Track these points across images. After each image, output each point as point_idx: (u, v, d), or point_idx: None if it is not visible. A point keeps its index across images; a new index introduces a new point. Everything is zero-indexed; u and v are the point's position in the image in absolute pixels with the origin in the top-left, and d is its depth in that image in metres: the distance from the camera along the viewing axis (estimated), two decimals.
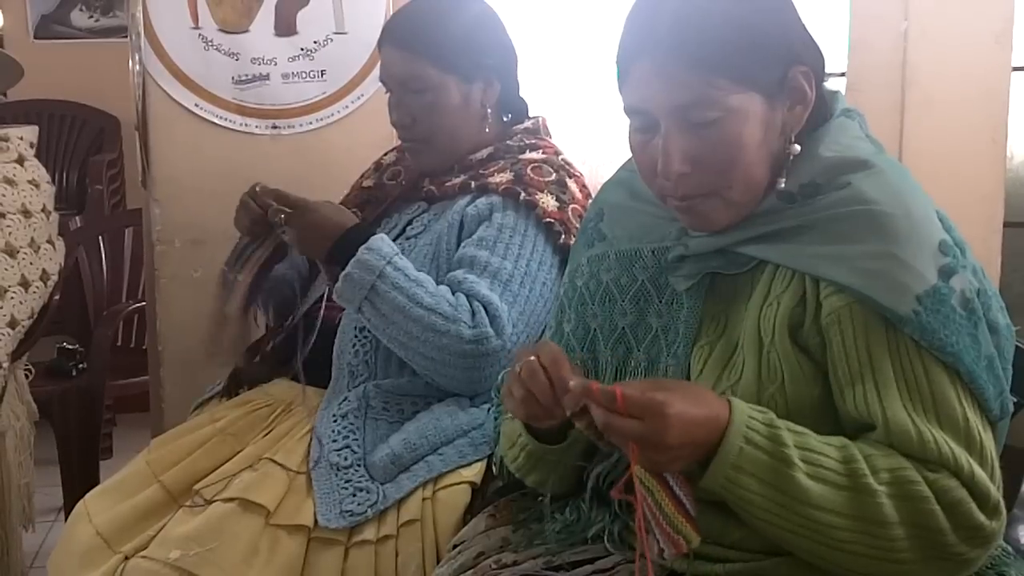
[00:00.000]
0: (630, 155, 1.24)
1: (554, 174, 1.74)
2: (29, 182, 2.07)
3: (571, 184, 1.75)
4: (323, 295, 1.76)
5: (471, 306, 1.60)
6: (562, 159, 1.80)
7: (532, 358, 1.12)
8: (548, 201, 1.70)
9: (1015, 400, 1.17)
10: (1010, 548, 1.24)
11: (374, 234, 1.65)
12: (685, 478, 1.05)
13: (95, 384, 2.83)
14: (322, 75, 2.25)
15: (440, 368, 1.61)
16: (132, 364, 3.00)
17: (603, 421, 1.03)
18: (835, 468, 1.05)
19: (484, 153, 1.78)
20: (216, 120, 2.23)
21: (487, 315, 1.59)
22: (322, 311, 1.75)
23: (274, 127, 2.25)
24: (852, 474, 1.05)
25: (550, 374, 1.10)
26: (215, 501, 1.54)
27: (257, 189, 1.70)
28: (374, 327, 1.63)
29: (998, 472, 1.10)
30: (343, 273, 1.61)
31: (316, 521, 1.51)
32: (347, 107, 2.27)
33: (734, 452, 1.04)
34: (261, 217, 1.69)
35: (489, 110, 1.78)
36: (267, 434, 1.67)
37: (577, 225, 1.66)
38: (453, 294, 1.61)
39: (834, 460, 1.06)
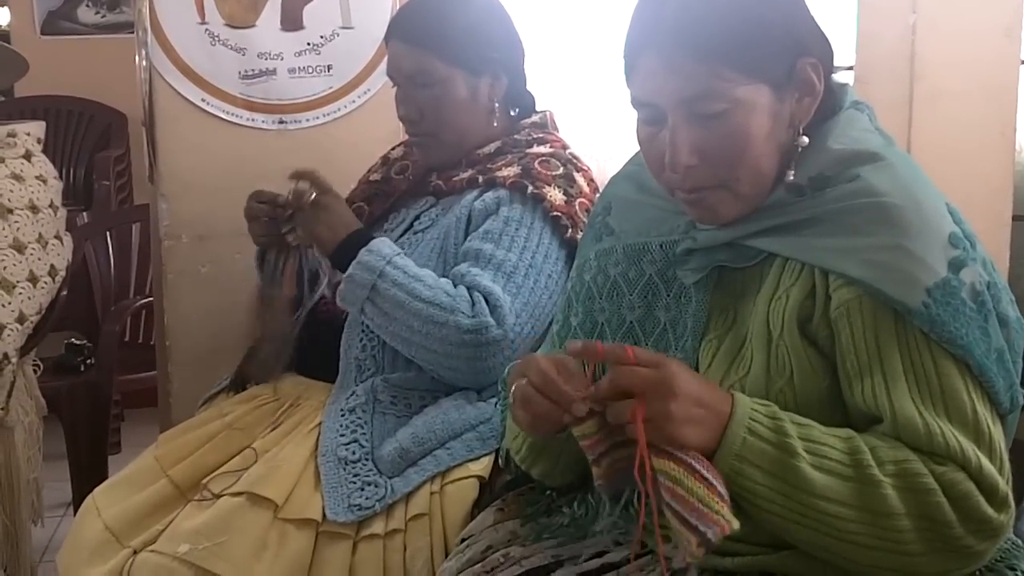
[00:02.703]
0: (638, 149, 1.24)
1: (562, 168, 1.74)
2: (36, 178, 2.07)
3: (579, 178, 1.75)
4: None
5: (471, 296, 1.60)
6: (569, 153, 1.80)
7: (523, 382, 1.11)
8: (555, 195, 1.70)
9: None
10: (1020, 541, 1.24)
11: (375, 237, 1.65)
12: (708, 461, 1.04)
13: (103, 379, 2.84)
14: (329, 70, 2.25)
15: (443, 361, 1.61)
16: (140, 359, 3.01)
17: (612, 377, 1.03)
18: (839, 459, 1.05)
19: (491, 147, 1.78)
20: (223, 115, 2.23)
21: (487, 305, 1.59)
22: (327, 306, 1.76)
23: (281, 122, 2.25)
24: (857, 465, 1.05)
25: (547, 393, 1.09)
26: (223, 495, 1.54)
27: (257, 200, 1.70)
28: (377, 327, 1.63)
29: (1007, 465, 1.10)
30: (345, 276, 1.62)
31: (324, 515, 1.51)
32: (354, 102, 2.27)
33: (737, 442, 1.04)
34: (275, 225, 1.69)
35: (496, 104, 1.78)
36: (275, 429, 1.67)
37: (584, 219, 1.66)
38: (455, 287, 1.61)
39: (838, 451, 1.06)
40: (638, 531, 1.07)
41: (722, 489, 1.02)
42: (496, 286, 1.61)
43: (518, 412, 1.13)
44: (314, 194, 1.67)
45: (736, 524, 1.01)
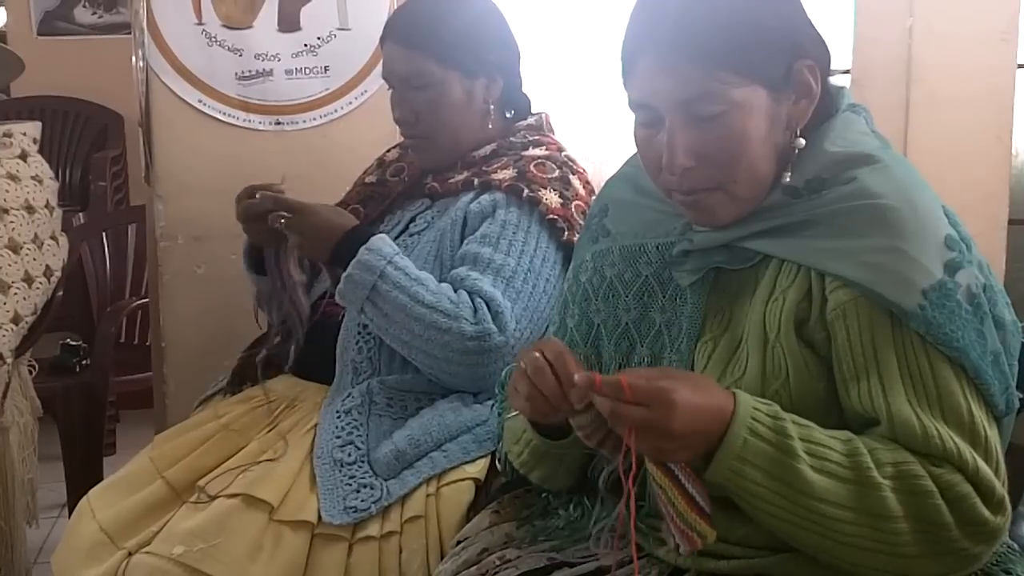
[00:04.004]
0: (634, 150, 1.24)
1: (557, 171, 1.74)
2: (32, 178, 2.07)
3: (574, 180, 1.75)
4: (326, 291, 1.76)
5: (473, 303, 1.60)
6: (565, 155, 1.80)
7: (536, 354, 1.12)
8: (551, 198, 1.70)
9: (1021, 396, 1.16)
10: (1016, 546, 1.24)
11: (375, 234, 1.65)
12: (696, 474, 1.05)
13: (98, 380, 2.83)
14: (325, 71, 2.25)
15: (444, 366, 1.61)
16: (135, 360, 3.01)
17: (609, 410, 1.03)
18: (839, 461, 1.05)
19: (487, 150, 1.78)
20: (220, 116, 2.23)
21: (489, 311, 1.59)
22: (324, 307, 1.76)
23: (277, 123, 2.25)
24: (856, 467, 1.05)
25: (556, 370, 1.10)
26: (219, 497, 1.54)
27: (257, 196, 1.69)
28: (376, 327, 1.63)
29: (1003, 468, 1.10)
30: (344, 274, 1.61)
31: (320, 517, 1.51)
32: (350, 103, 2.27)
33: (738, 443, 1.04)
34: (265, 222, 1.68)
35: (492, 107, 1.78)
36: (271, 430, 1.67)
37: (580, 222, 1.66)
38: (455, 291, 1.61)
39: (839, 453, 1.06)
40: (625, 527, 1.08)
41: (703, 505, 1.04)
42: (497, 291, 1.61)
43: (522, 385, 1.13)
44: (282, 221, 1.64)
45: (711, 537, 1.03)
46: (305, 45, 2.24)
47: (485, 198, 1.71)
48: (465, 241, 1.69)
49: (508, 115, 1.83)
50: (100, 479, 2.09)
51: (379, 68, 1.85)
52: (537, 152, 1.77)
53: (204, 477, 1.59)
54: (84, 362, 2.87)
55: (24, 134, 2.12)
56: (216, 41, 2.20)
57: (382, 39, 1.77)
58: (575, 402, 1.08)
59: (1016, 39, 2.18)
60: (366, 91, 2.26)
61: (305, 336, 1.76)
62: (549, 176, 1.72)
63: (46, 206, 2.08)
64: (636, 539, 1.22)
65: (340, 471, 1.56)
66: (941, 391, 1.09)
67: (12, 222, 1.99)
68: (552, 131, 1.86)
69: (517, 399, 1.15)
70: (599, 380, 1.03)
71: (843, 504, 1.04)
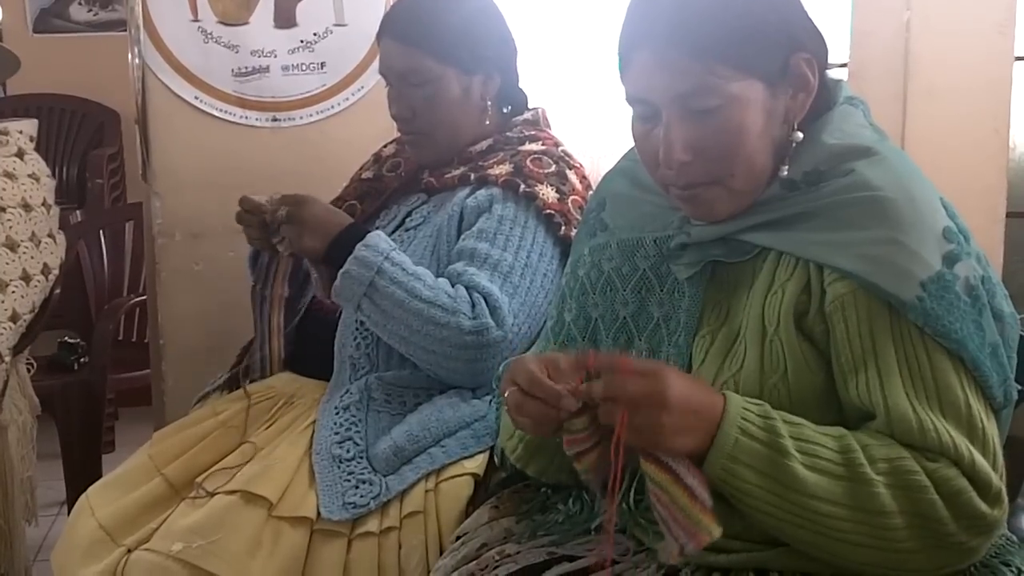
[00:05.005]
0: (632, 145, 1.24)
1: (554, 165, 1.74)
2: (29, 176, 2.07)
3: (571, 175, 1.75)
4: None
5: (471, 297, 1.60)
6: (562, 150, 1.80)
7: (513, 389, 1.10)
8: (548, 193, 1.69)
9: (1019, 388, 1.16)
10: (1015, 537, 1.24)
11: (370, 231, 1.65)
12: (696, 468, 1.04)
13: (97, 378, 2.83)
14: (322, 67, 2.25)
15: (442, 361, 1.61)
16: (134, 358, 3.01)
17: (604, 386, 1.03)
18: (831, 458, 1.05)
19: (483, 145, 1.78)
20: (216, 113, 2.23)
21: (487, 306, 1.59)
22: (321, 304, 1.76)
23: (274, 119, 2.25)
24: (849, 464, 1.05)
25: (535, 394, 1.09)
26: (217, 493, 1.54)
27: (244, 208, 1.69)
28: (374, 324, 1.63)
29: (1000, 460, 1.10)
30: (341, 271, 1.61)
31: (319, 513, 1.51)
32: (347, 99, 2.27)
33: (730, 443, 1.04)
34: (267, 231, 1.68)
35: (489, 102, 1.78)
36: (269, 427, 1.67)
37: (577, 216, 1.66)
38: (453, 286, 1.61)
39: (830, 450, 1.06)
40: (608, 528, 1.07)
41: (705, 498, 1.03)
42: (494, 286, 1.61)
43: (515, 418, 1.13)
44: (284, 211, 1.65)
45: (717, 533, 1.02)
46: (301, 41, 2.23)
47: (481, 193, 1.71)
48: (462, 236, 1.69)
49: (505, 110, 1.83)
50: (99, 477, 2.09)
51: (376, 64, 1.85)
52: (534, 147, 1.77)
53: (202, 474, 1.59)
54: (82, 360, 2.87)
55: (20, 132, 2.11)
56: (212, 38, 2.20)
57: (379, 35, 1.77)
58: (569, 407, 1.06)
59: (1013, 31, 2.18)
60: (363, 87, 2.26)
61: (300, 335, 1.76)
62: (546, 171, 1.72)
63: (43, 204, 2.08)
64: (636, 533, 1.22)
65: (339, 467, 1.56)
66: (939, 383, 1.08)
67: (9, 220, 1.99)
68: (549, 126, 1.86)
69: (521, 424, 1.14)
70: (593, 356, 1.04)
71: (836, 501, 1.04)
